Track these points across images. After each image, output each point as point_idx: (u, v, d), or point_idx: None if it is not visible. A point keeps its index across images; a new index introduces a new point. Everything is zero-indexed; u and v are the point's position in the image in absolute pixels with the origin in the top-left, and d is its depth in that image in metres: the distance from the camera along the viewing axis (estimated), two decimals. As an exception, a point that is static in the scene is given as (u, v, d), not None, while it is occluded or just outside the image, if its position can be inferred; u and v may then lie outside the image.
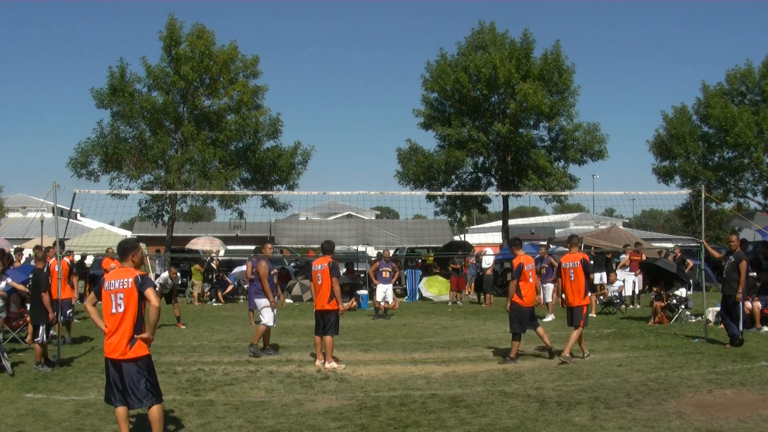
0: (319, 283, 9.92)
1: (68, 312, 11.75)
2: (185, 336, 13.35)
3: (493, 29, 27.49)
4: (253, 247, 29.80)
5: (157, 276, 18.10)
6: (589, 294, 10.82)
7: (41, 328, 9.76)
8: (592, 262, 11.09)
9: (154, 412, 5.93)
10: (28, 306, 10.96)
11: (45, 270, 10.32)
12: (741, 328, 11.25)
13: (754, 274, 14.63)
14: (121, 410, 5.93)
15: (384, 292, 17.05)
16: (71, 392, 8.22)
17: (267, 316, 10.92)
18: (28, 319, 12.14)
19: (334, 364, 9.71)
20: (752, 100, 31.44)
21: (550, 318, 15.79)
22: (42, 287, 9.90)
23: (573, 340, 10.00)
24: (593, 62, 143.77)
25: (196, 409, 7.34)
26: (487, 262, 21.14)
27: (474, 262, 21.85)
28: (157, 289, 6.17)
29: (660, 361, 9.96)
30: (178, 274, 16.47)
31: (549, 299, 16.28)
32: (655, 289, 15.82)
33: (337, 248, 28.25)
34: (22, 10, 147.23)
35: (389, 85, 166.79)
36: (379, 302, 17.04)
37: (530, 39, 27.01)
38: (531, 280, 10.19)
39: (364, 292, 20.16)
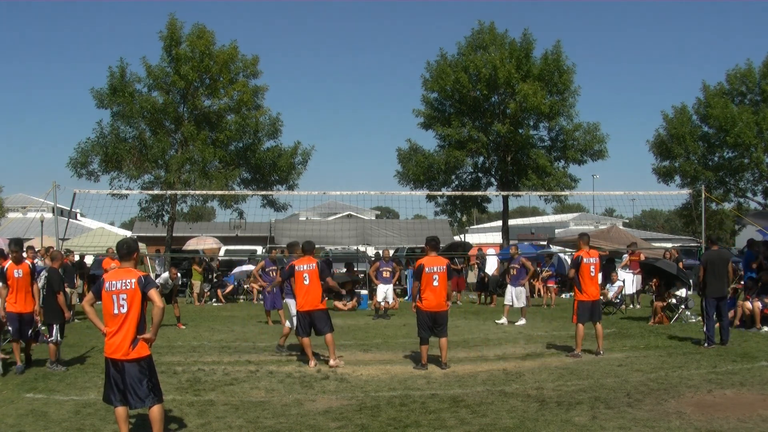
0: (306, 283, 9.78)
1: (29, 331, 9.63)
2: (185, 336, 13.35)
3: (493, 29, 27.51)
4: (253, 248, 29.74)
5: (157, 276, 18.10)
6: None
7: (55, 327, 9.79)
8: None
9: (155, 411, 5.93)
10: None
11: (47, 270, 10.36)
12: (705, 328, 11.20)
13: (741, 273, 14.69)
14: (121, 410, 5.93)
15: (384, 292, 17.04)
16: (71, 392, 8.22)
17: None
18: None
19: (339, 362, 9.74)
20: (752, 100, 31.46)
21: (522, 322, 14.90)
22: (56, 287, 9.94)
23: (601, 334, 10.54)
24: (593, 62, 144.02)
25: (196, 409, 7.34)
26: (492, 263, 21.12)
27: (478, 263, 21.83)
28: (158, 289, 6.17)
29: (660, 361, 9.96)
30: (179, 274, 16.43)
31: (522, 303, 15.30)
32: (652, 282, 15.70)
33: (337, 248, 28.44)
34: (22, 10, 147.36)
35: (389, 85, 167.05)
36: (379, 302, 17.04)
37: (530, 39, 27.05)
38: (435, 284, 9.46)
39: (364, 292, 20.17)
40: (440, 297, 9.56)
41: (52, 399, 7.84)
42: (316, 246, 11.64)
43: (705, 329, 11.25)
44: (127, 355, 5.85)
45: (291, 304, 11.10)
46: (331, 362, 9.70)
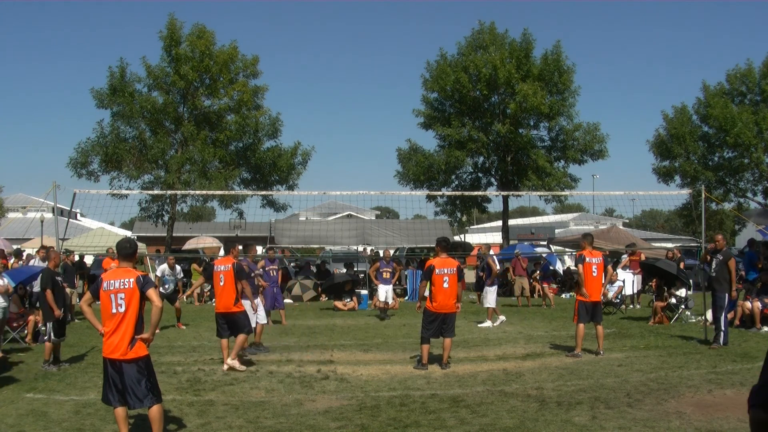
0: (222, 284, 9.67)
1: None
2: (185, 336, 13.35)
3: (493, 29, 27.47)
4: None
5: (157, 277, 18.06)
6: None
7: (48, 325, 9.76)
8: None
9: (155, 411, 5.92)
10: (37, 305, 10.85)
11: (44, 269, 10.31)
12: (722, 325, 11.16)
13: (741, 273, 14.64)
14: (120, 411, 5.93)
15: (385, 292, 17.09)
16: (71, 392, 8.22)
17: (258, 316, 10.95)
18: (29, 318, 12.22)
19: (235, 363, 9.53)
20: (752, 100, 31.42)
21: (487, 324, 14.65)
22: (43, 285, 9.91)
23: (602, 335, 10.60)
24: (593, 62, 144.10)
25: (196, 409, 7.34)
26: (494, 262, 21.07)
27: (478, 263, 21.81)
28: (156, 289, 6.15)
29: (660, 361, 9.96)
30: (177, 267, 16.19)
31: (488, 304, 14.98)
32: (652, 283, 15.70)
33: (337, 248, 28.37)
34: (22, 10, 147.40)
35: (389, 85, 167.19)
36: (381, 302, 17.08)
37: (530, 39, 27.01)
38: (446, 285, 9.41)
39: (364, 292, 20.17)
40: (450, 299, 9.52)
41: (52, 399, 7.84)
42: (316, 246, 11.70)
43: (723, 326, 11.11)
44: (125, 354, 5.84)
45: (246, 304, 11.05)
46: (228, 361, 9.52)
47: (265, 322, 11.23)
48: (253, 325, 11.18)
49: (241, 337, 9.64)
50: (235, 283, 9.68)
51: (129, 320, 5.86)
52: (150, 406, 5.92)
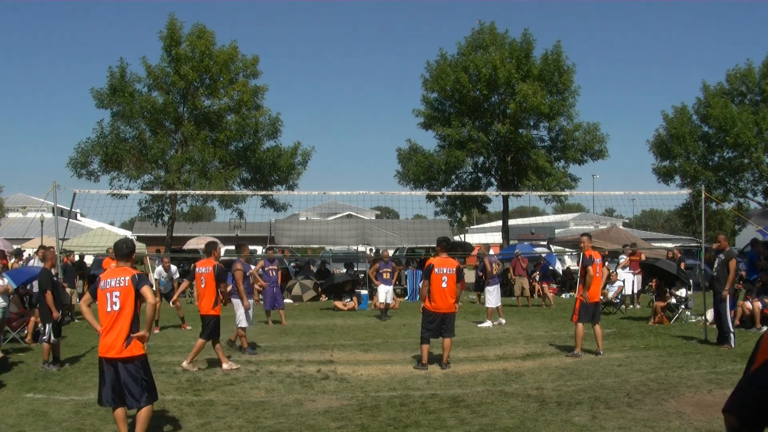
0: (203, 286, 9.64)
1: None
2: (185, 336, 13.34)
3: (493, 29, 27.47)
4: (253, 247, 29.57)
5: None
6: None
7: (47, 326, 9.77)
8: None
9: (143, 411, 5.92)
10: (38, 306, 10.86)
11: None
12: (730, 326, 11.19)
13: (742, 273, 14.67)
14: (119, 411, 5.95)
15: (386, 293, 17.11)
16: (71, 392, 8.22)
17: (241, 318, 10.94)
18: (30, 319, 12.22)
19: (188, 365, 9.51)
20: (752, 100, 31.42)
21: (487, 324, 14.63)
22: (43, 286, 9.91)
23: (600, 335, 10.54)
24: (593, 62, 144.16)
25: (196, 409, 7.34)
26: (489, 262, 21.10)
27: (477, 263, 21.81)
28: (152, 287, 6.16)
29: (660, 361, 9.96)
30: (172, 267, 16.24)
31: (489, 304, 15.02)
32: (652, 283, 15.72)
33: (337, 248, 28.37)
34: (22, 11, 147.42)
35: (389, 85, 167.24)
36: (381, 303, 17.10)
37: (530, 39, 27.01)
38: (444, 285, 9.36)
39: (364, 292, 20.17)
40: (448, 298, 9.47)
41: (52, 399, 7.84)
42: (316, 246, 11.68)
43: (731, 326, 11.18)
44: (121, 353, 5.84)
45: (237, 303, 11.06)
46: (184, 364, 9.57)
47: (246, 325, 11.23)
48: (247, 324, 11.16)
49: (199, 341, 9.62)
50: (216, 285, 9.61)
51: (124, 318, 5.86)
52: (146, 406, 5.91)
